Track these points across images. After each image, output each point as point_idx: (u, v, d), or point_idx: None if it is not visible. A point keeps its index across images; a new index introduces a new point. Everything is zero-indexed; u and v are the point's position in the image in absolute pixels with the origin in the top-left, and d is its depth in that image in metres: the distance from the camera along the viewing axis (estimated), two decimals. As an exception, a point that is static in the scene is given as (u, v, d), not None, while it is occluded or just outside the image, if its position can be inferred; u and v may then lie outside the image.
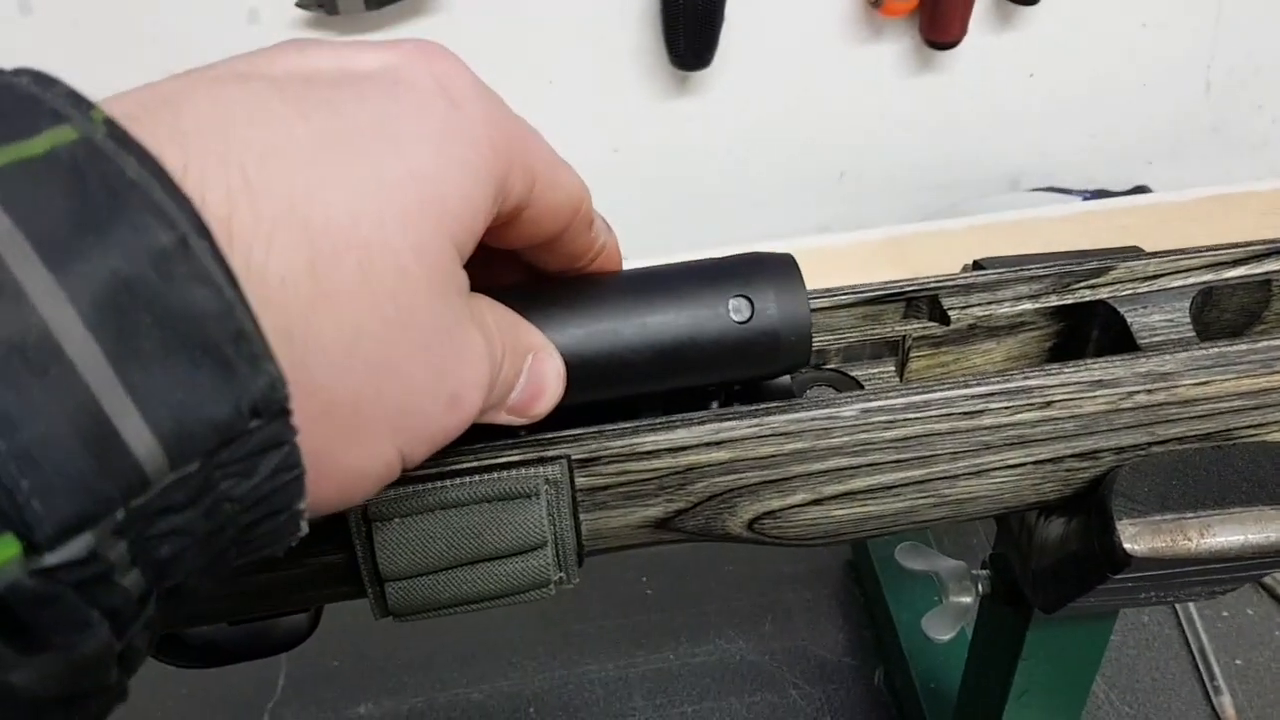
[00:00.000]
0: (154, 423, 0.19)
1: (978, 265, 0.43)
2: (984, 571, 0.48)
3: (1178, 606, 0.75)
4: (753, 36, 0.85)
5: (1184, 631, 0.74)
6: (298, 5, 0.79)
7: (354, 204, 0.23)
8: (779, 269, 0.35)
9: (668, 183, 0.94)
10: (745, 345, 0.34)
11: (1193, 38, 0.92)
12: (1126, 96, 0.95)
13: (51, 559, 0.18)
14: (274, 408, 0.21)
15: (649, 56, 0.86)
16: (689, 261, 0.36)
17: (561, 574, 0.36)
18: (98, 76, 0.87)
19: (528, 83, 0.86)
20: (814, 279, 0.37)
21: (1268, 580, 0.76)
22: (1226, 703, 0.69)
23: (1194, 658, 0.72)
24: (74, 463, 0.18)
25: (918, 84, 0.91)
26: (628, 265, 0.36)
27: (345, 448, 0.24)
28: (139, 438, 0.19)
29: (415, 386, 0.25)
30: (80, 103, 0.21)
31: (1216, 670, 0.71)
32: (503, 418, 0.31)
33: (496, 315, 0.30)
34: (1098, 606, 0.41)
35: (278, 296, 0.22)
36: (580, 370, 0.33)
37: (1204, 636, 0.73)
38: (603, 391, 0.34)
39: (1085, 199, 0.96)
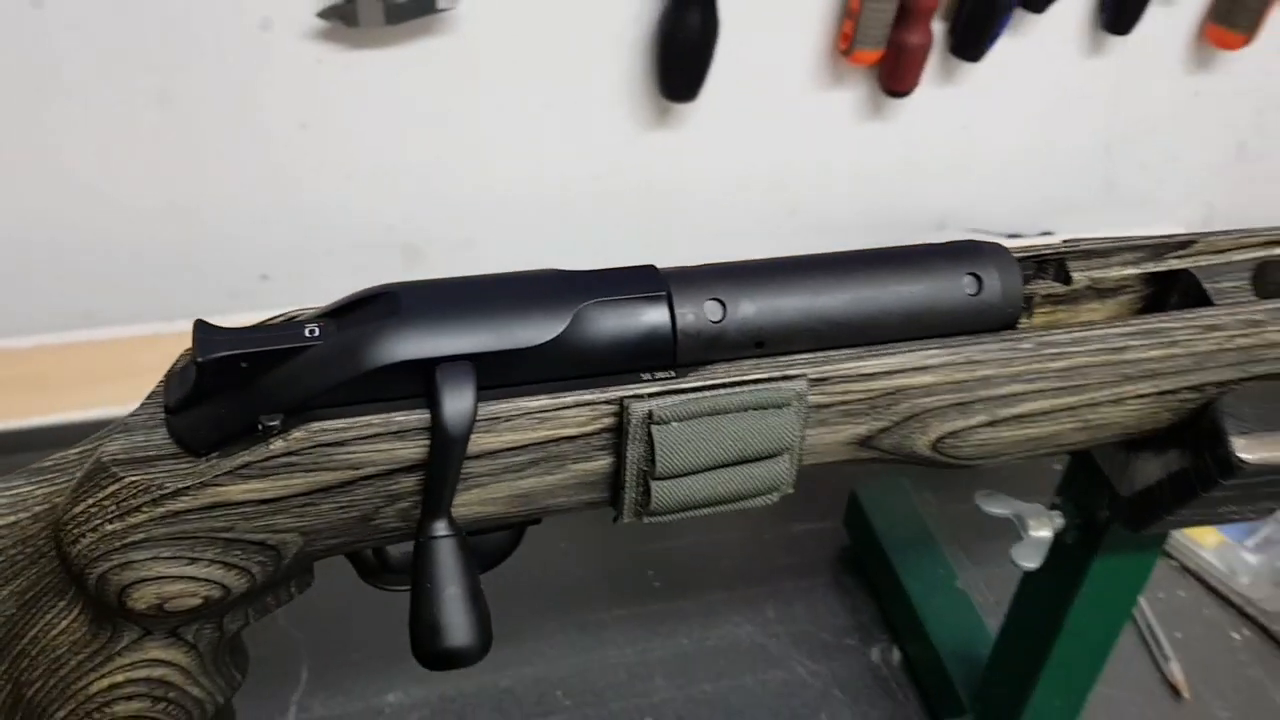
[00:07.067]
0: None
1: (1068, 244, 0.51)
2: (1054, 511, 0.55)
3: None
4: (734, 73, 0.92)
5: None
6: (319, 15, 0.81)
7: None
8: (998, 253, 0.43)
9: (643, 208, 0.99)
10: (973, 312, 0.43)
11: (1099, 104, 1.06)
12: (1040, 151, 1.08)
13: None
14: None
15: (639, 86, 0.92)
16: (916, 245, 0.44)
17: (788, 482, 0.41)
18: (106, 72, 0.86)
19: (527, 104, 0.91)
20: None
21: (1191, 566, 0.87)
22: (1175, 669, 0.79)
23: (1141, 632, 0.82)
24: None
25: (868, 130, 1.01)
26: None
27: None
28: None
29: None
30: None
31: (1164, 642, 0.81)
32: None
33: None
34: (1185, 520, 0.48)
35: None
36: (845, 326, 0.41)
37: (1149, 614, 0.83)
38: (856, 341, 0.42)
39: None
